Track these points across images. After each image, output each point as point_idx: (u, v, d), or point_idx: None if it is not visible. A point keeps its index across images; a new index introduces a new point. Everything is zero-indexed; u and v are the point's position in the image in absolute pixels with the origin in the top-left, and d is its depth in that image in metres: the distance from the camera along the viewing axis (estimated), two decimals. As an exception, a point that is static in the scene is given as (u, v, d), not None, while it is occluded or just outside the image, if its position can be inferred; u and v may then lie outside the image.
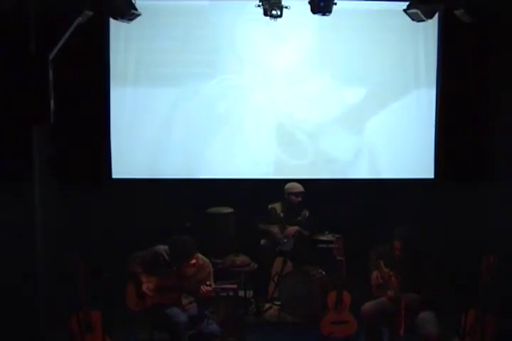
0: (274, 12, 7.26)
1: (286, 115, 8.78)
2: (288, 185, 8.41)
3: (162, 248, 6.60)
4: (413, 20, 7.25)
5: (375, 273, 6.71)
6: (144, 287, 6.42)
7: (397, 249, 6.67)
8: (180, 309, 6.48)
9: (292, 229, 8.30)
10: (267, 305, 8.17)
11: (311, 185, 8.44)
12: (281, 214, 8.42)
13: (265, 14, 7.32)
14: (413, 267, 6.58)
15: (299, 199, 8.33)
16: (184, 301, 6.54)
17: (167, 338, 6.45)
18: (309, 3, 7.06)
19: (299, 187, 8.35)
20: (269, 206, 8.43)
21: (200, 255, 6.63)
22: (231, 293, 7.46)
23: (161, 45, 8.65)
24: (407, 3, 6.95)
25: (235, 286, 6.79)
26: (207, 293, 6.41)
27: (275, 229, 8.33)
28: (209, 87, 8.75)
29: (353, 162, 8.85)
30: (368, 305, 6.69)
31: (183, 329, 6.35)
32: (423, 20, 7.25)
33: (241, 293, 7.83)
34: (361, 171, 8.85)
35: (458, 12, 7.01)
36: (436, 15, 7.36)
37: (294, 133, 8.81)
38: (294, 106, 8.77)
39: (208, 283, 6.44)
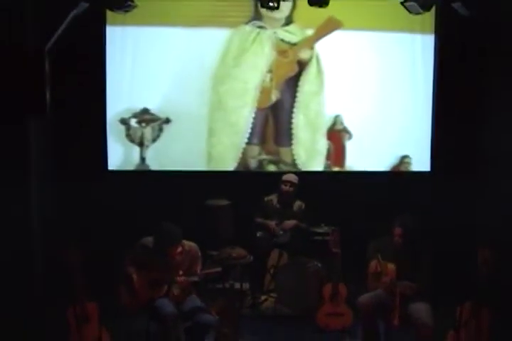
0: (271, 4, 7.27)
1: (285, 112, 8.87)
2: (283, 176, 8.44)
3: (148, 239, 6.61)
4: (410, 12, 7.27)
5: (373, 263, 6.71)
6: (137, 285, 6.44)
7: (398, 235, 6.67)
8: (172, 300, 6.49)
9: (290, 222, 8.30)
10: (263, 298, 8.17)
11: (307, 177, 8.47)
12: (278, 206, 8.42)
13: (262, 6, 7.34)
14: (411, 256, 6.59)
15: (288, 187, 8.27)
16: (176, 292, 6.54)
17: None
18: (306, -6, 7.09)
19: (290, 177, 8.34)
20: (266, 198, 8.43)
21: (186, 241, 6.63)
22: (227, 285, 7.48)
23: (158, 38, 8.67)
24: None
25: (218, 270, 6.76)
26: (182, 283, 6.46)
27: (272, 223, 8.32)
28: (209, 82, 8.78)
29: (350, 155, 8.90)
30: (365, 298, 6.67)
31: (172, 320, 6.33)
32: (420, 13, 7.27)
33: (237, 285, 7.83)
34: (357, 164, 8.89)
35: (455, 5, 7.02)
36: (433, 8, 7.43)
37: (292, 128, 8.86)
38: (293, 101, 8.82)
39: (180, 272, 6.46)
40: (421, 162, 8.85)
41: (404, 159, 8.85)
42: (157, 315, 6.38)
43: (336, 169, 8.91)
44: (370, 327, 6.68)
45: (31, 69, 6.20)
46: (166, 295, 6.49)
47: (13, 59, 6.20)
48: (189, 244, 6.66)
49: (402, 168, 8.87)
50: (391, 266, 6.59)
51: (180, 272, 6.47)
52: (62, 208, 7.88)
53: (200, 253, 6.72)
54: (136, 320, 6.83)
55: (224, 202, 8.46)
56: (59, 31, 6.75)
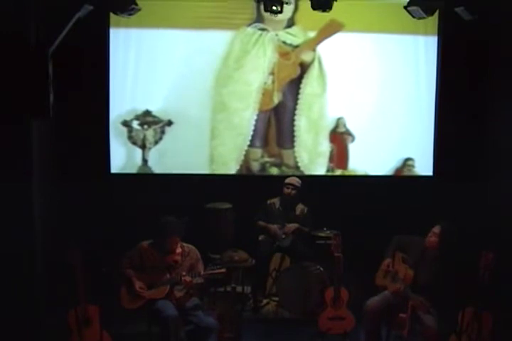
0: (274, 8, 7.28)
1: (288, 114, 8.89)
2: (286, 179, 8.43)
3: (145, 243, 6.65)
4: (413, 17, 7.27)
5: (387, 261, 6.72)
6: (137, 286, 6.47)
7: (434, 234, 6.65)
8: (174, 302, 6.50)
9: (292, 226, 8.25)
10: (265, 301, 8.17)
11: (310, 181, 8.45)
12: (280, 209, 8.38)
13: (265, 10, 7.34)
14: (436, 262, 6.58)
15: (290, 190, 8.24)
16: (178, 294, 6.56)
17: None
18: (310, -1, 7.10)
19: (292, 179, 8.32)
20: (268, 201, 8.40)
21: (184, 243, 6.67)
22: (229, 289, 7.50)
23: (161, 40, 8.66)
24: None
25: (223, 270, 6.77)
26: (188, 283, 6.47)
27: (274, 226, 8.26)
28: (212, 84, 8.77)
29: (353, 157, 8.90)
30: (374, 302, 6.66)
31: (173, 323, 6.35)
32: (423, 17, 7.26)
33: (239, 289, 7.87)
34: (360, 166, 8.89)
35: (458, 9, 7.02)
36: (437, 13, 7.42)
37: (295, 130, 8.87)
38: (295, 104, 8.84)
39: (183, 273, 6.48)
40: (424, 164, 8.84)
41: (407, 161, 8.84)
42: (158, 317, 6.40)
43: (339, 171, 8.91)
44: (373, 331, 6.69)
45: (34, 71, 6.19)
46: (167, 297, 6.50)
47: (16, 61, 6.19)
48: (188, 246, 6.70)
49: (406, 171, 8.86)
50: (410, 272, 6.58)
51: (184, 273, 6.49)
52: (65, 212, 7.86)
53: (199, 255, 6.75)
54: (137, 323, 6.85)
55: (226, 206, 8.49)
56: (63, 33, 6.73)
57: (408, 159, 8.84)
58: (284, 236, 8.19)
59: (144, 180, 8.69)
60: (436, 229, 6.68)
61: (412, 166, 8.85)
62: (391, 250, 6.79)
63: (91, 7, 6.79)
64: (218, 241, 8.22)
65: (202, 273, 6.61)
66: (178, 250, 6.57)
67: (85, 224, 7.83)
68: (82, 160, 8.21)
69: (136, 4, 7.09)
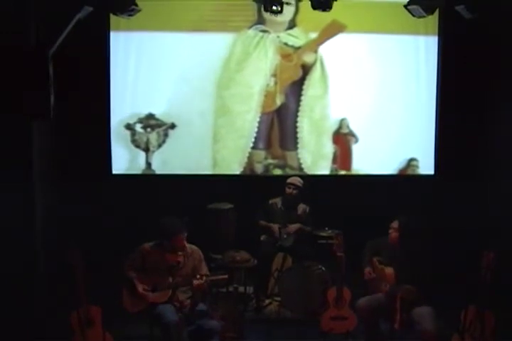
0: (274, 7, 7.28)
1: (291, 116, 8.90)
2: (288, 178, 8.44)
3: (147, 245, 6.60)
4: (413, 16, 7.26)
5: (367, 269, 6.71)
6: (140, 288, 6.42)
7: (394, 229, 6.64)
8: (177, 305, 6.46)
9: (294, 226, 8.28)
10: (267, 301, 8.14)
11: (311, 181, 8.46)
12: (282, 209, 8.40)
13: (266, 10, 7.34)
14: (407, 255, 6.52)
15: (292, 190, 8.28)
16: (181, 296, 6.53)
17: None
18: (310, -1, 7.10)
19: (294, 179, 8.35)
20: (270, 201, 8.43)
21: (187, 244, 6.60)
22: (231, 289, 7.48)
23: (162, 43, 8.68)
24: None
25: (225, 277, 6.75)
26: (199, 286, 6.41)
27: (275, 225, 8.28)
28: (214, 86, 8.79)
29: (356, 158, 8.90)
30: (363, 301, 6.64)
31: (174, 329, 6.30)
32: (424, 16, 7.26)
33: (241, 289, 7.85)
34: (364, 167, 8.89)
35: (458, 8, 7.02)
36: (437, 11, 7.41)
37: (298, 132, 8.89)
38: (297, 105, 8.86)
39: (198, 276, 6.43)
40: (427, 165, 8.82)
41: (411, 162, 8.83)
42: (159, 323, 6.35)
43: (343, 173, 8.91)
44: (371, 330, 6.67)
45: (35, 73, 6.21)
46: (169, 301, 6.46)
47: (16, 63, 6.21)
48: (191, 247, 6.64)
49: (410, 171, 8.85)
50: (389, 271, 6.55)
51: (198, 276, 6.44)
52: (66, 213, 7.87)
53: (202, 256, 6.71)
54: (139, 324, 6.82)
55: (228, 206, 8.50)
56: (63, 35, 6.75)
57: (412, 159, 8.82)
58: (286, 236, 8.19)
59: (145, 181, 8.70)
60: (395, 224, 6.67)
61: (416, 166, 8.84)
62: (367, 257, 6.79)
63: (91, 8, 6.80)
64: (220, 242, 8.23)
65: (204, 277, 6.56)
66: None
67: (87, 227, 7.83)
68: (83, 161, 8.22)
69: (136, 5, 7.09)
